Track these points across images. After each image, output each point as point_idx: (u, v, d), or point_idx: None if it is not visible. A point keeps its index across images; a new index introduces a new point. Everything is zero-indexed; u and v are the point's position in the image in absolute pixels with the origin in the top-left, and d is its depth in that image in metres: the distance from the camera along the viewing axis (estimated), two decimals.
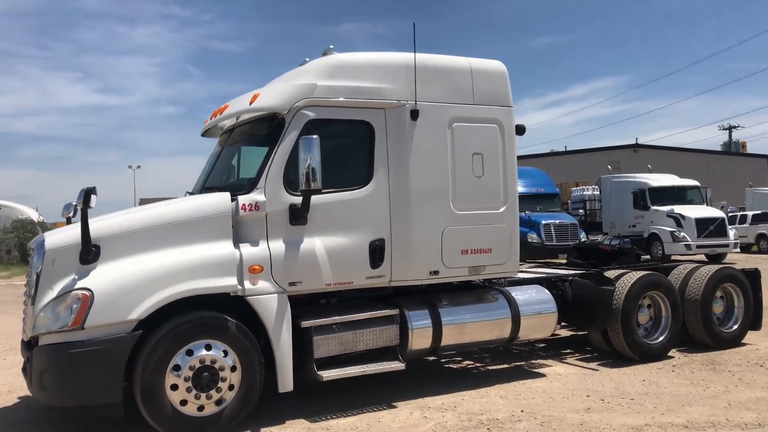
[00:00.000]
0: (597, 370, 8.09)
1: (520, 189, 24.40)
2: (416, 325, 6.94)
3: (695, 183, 25.10)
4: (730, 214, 30.29)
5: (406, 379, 7.56)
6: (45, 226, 33.76)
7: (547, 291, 8.01)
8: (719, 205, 30.93)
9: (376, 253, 6.72)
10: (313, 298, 6.79)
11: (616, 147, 49.43)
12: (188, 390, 5.78)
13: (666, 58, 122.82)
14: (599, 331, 8.44)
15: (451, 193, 7.10)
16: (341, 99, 6.65)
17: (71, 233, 5.89)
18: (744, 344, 9.27)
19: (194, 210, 6.22)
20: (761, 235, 30.56)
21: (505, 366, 8.47)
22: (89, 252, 5.74)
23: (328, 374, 6.39)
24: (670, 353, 8.68)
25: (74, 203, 6.52)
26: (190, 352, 5.82)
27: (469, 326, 7.30)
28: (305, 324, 6.38)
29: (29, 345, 5.94)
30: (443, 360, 8.88)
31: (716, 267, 9.20)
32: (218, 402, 5.92)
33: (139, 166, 75.98)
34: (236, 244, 6.18)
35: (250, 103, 6.67)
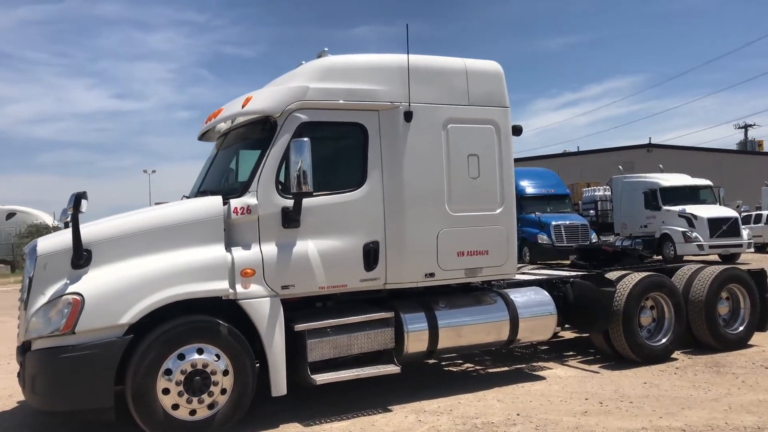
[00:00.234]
0: (598, 372, 8.00)
1: (531, 190, 24.88)
2: (412, 328, 6.90)
3: (707, 182, 24.82)
4: (744, 214, 29.97)
5: (404, 382, 7.51)
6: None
7: (546, 293, 7.93)
8: (734, 204, 30.64)
9: (371, 255, 6.68)
10: (308, 301, 6.77)
11: (630, 147, 49.04)
12: (180, 394, 5.77)
13: (682, 56, 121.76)
14: (600, 333, 8.34)
15: (446, 195, 7.05)
16: (334, 101, 6.63)
17: (63, 238, 5.91)
18: (750, 346, 9.13)
19: (186, 214, 6.21)
20: None
21: (506, 369, 8.40)
22: (80, 257, 5.75)
23: (321, 378, 6.36)
24: (674, 355, 8.56)
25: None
26: (181, 356, 5.81)
27: (466, 329, 7.24)
28: (299, 327, 6.36)
29: (24, 350, 5.96)
30: (443, 363, 8.82)
31: (721, 268, 9.07)
32: (210, 406, 5.90)
33: (154, 171, 76.56)
34: (228, 248, 6.17)
35: (243, 107, 6.66)
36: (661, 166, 27.35)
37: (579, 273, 8.81)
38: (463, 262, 7.15)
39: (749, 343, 9.18)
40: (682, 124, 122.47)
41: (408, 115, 6.84)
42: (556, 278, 8.60)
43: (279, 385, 6.17)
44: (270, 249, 6.27)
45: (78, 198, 5.68)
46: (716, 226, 22.41)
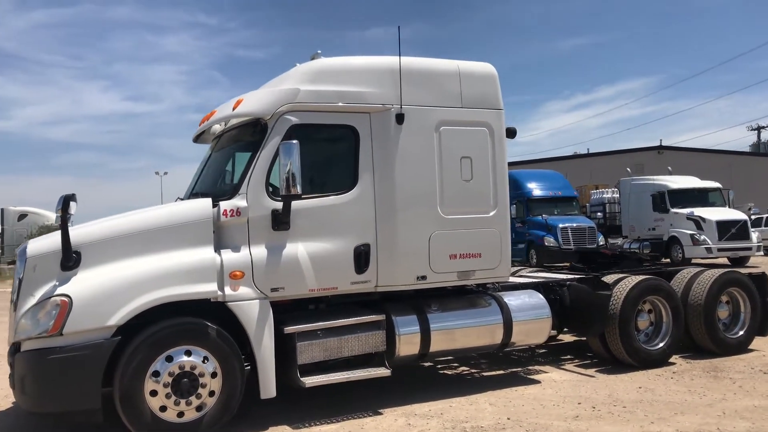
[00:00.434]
0: (593, 376, 7.93)
1: (538, 192, 24.77)
2: (404, 331, 6.87)
3: (717, 185, 24.61)
4: (755, 217, 29.69)
5: (397, 385, 7.49)
6: None
7: (541, 296, 7.88)
8: (745, 207, 30.33)
9: (361, 258, 6.67)
10: (301, 303, 6.77)
11: (640, 149, 48.67)
12: (167, 396, 5.77)
13: (696, 57, 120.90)
14: (596, 336, 8.28)
15: (438, 198, 7.02)
16: (324, 104, 6.62)
17: (53, 240, 5.93)
18: (751, 350, 9.03)
19: (175, 216, 6.23)
20: None
21: (501, 372, 8.35)
22: (69, 258, 5.78)
23: (311, 380, 6.34)
24: (672, 359, 8.48)
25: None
26: (169, 358, 5.81)
27: (459, 332, 7.21)
28: (288, 330, 6.35)
29: (15, 351, 5.99)
30: (438, 366, 8.79)
31: (721, 271, 8.97)
32: (198, 408, 5.91)
33: (166, 173, 76.75)
34: (217, 250, 6.18)
35: (234, 109, 6.68)
36: (669, 168, 27.12)
37: (576, 276, 8.75)
38: (456, 264, 7.11)
39: (750, 347, 9.07)
40: (695, 126, 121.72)
41: (399, 118, 6.82)
42: (552, 281, 8.54)
43: (268, 388, 6.17)
44: (259, 251, 6.27)
45: (66, 200, 5.71)
46: (725, 228, 22.22)
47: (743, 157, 54.10)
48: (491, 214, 7.33)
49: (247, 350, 6.18)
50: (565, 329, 8.64)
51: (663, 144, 50.97)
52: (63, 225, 5.75)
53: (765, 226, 29.52)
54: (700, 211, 22.77)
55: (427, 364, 8.77)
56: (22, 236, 37.73)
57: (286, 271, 6.34)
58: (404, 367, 7.79)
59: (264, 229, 6.31)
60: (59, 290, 5.65)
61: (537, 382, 7.74)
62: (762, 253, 24.52)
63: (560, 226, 23.00)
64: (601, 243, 23.39)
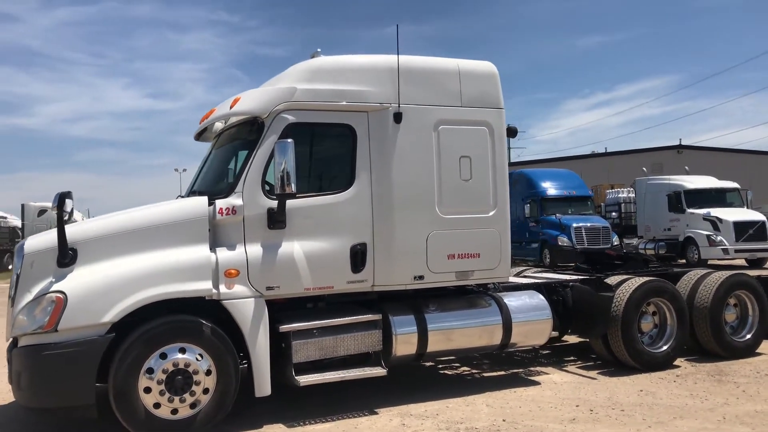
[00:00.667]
0: (595, 378, 7.85)
1: (552, 191, 24.58)
2: (400, 331, 6.85)
3: (734, 185, 24.19)
4: None
5: (395, 385, 7.48)
6: None
7: (541, 297, 7.81)
8: (766, 208, 29.83)
9: (358, 257, 6.65)
10: (299, 302, 6.77)
11: (659, 148, 48.08)
12: (161, 393, 5.80)
13: (718, 55, 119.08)
14: (598, 338, 8.19)
15: (436, 197, 6.98)
16: (321, 102, 6.61)
17: (50, 237, 5.98)
18: (759, 354, 8.89)
19: (171, 214, 6.25)
20: None
21: (502, 373, 8.29)
22: (66, 255, 5.82)
23: (305, 379, 6.34)
24: (677, 362, 8.38)
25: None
26: (163, 356, 5.84)
27: (457, 332, 7.17)
28: (284, 328, 6.36)
29: (13, 347, 6.06)
30: (439, 366, 8.75)
31: (728, 273, 8.84)
32: (192, 405, 5.93)
33: (185, 170, 77.16)
34: (213, 248, 6.19)
35: (231, 107, 6.69)
36: (686, 167, 26.75)
37: (579, 277, 8.67)
38: (454, 265, 7.07)
39: (758, 351, 8.93)
40: (717, 125, 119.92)
41: (398, 117, 6.79)
42: (555, 282, 8.47)
43: (263, 386, 6.18)
44: (255, 250, 6.28)
45: (62, 197, 5.76)
46: (742, 229, 21.83)
47: (765, 156, 53.25)
48: (491, 214, 7.28)
49: (243, 348, 6.20)
50: (569, 330, 8.57)
51: (683, 143, 50.35)
52: (59, 222, 5.79)
53: None
54: (717, 212, 22.39)
55: (427, 364, 8.75)
56: (41, 231, 38.18)
57: (282, 269, 6.34)
58: (402, 367, 7.76)
59: (260, 227, 6.32)
60: (55, 287, 5.70)
61: (537, 383, 7.68)
62: None
63: (574, 225, 22.77)
64: (616, 243, 23.12)
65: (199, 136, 7.86)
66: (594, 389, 7.35)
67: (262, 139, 6.42)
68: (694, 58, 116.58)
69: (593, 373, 8.08)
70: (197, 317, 6.02)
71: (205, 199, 6.31)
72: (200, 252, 6.12)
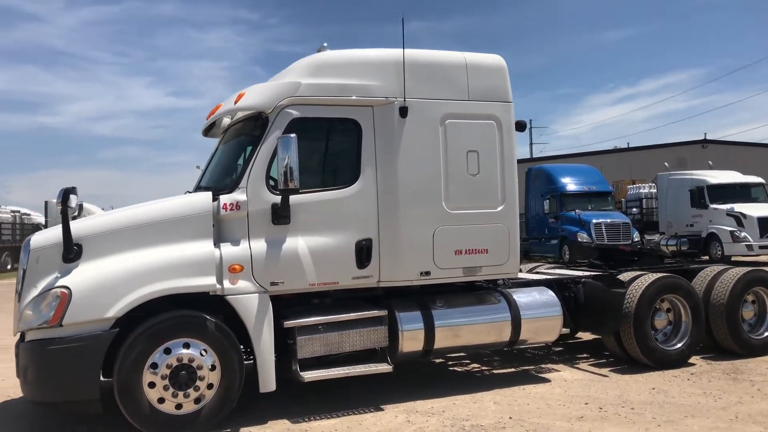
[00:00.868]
0: (606, 376, 7.73)
1: (572, 187, 24.35)
2: (407, 327, 6.79)
3: (759, 180, 23.77)
4: None
5: (403, 382, 7.44)
6: None
7: (552, 293, 7.70)
8: None
9: (363, 253, 6.60)
10: (305, 297, 6.75)
11: (683, 143, 47.27)
12: (165, 388, 5.81)
13: (745, 48, 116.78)
14: (611, 335, 8.06)
15: (443, 192, 6.91)
16: (326, 97, 6.57)
17: (56, 233, 6.01)
18: None
19: (175, 209, 6.26)
20: None
21: (512, 370, 8.21)
22: (71, 251, 5.85)
23: (310, 375, 6.32)
24: (692, 360, 8.21)
25: (78, 203, 6.72)
26: (167, 351, 5.85)
27: (465, 329, 7.10)
28: (288, 324, 6.34)
29: (20, 342, 6.12)
30: (449, 362, 8.69)
31: (745, 270, 8.64)
32: (197, 400, 5.93)
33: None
34: (217, 244, 6.19)
35: (235, 103, 6.68)
36: (710, 162, 26.34)
37: (592, 273, 8.54)
38: (461, 260, 7.00)
39: None
40: (744, 119, 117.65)
41: (403, 111, 6.73)
42: (567, 278, 8.35)
43: (267, 382, 6.16)
44: (259, 245, 6.26)
45: (66, 193, 5.79)
46: (767, 225, 21.47)
47: None
48: (499, 209, 7.19)
49: (249, 344, 6.20)
50: (581, 327, 8.45)
51: (708, 138, 49.49)
52: (64, 217, 5.83)
53: None
54: (741, 207, 22.04)
55: (437, 361, 8.70)
56: None
57: (286, 265, 6.32)
58: (410, 363, 7.74)
59: (264, 223, 6.30)
60: (60, 282, 5.74)
61: (547, 380, 7.58)
62: None
63: (594, 221, 22.56)
64: (636, 239, 22.86)
65: (208, 132, 7.86)
66: (605, 387, 7.23)
67: (266, 135, 6.41)
68: (720, 51, 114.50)
69: (605, 371, 7.96)
70: (201, 312, 6.02)
71: (209, 194, 6.31)
72: (204, 247, 6.12)
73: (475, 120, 7.09)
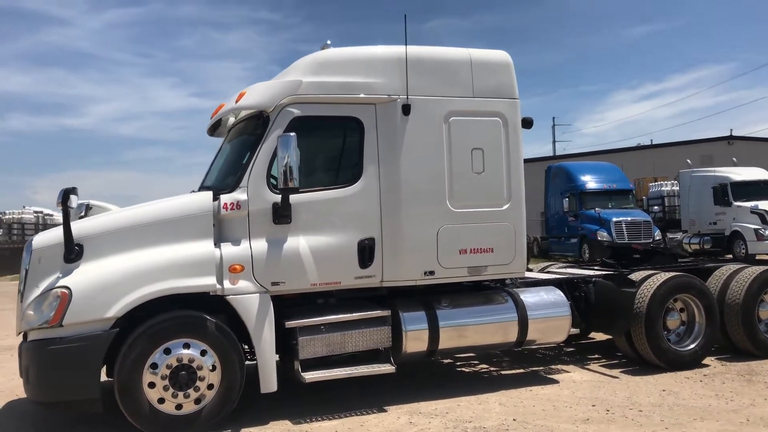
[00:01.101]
0: (617, 377, 7.58)
1: (592, 185, 24.05)
2: (411, 328, 6.72)
3: None
4: None
5: (409, 382, 7.39)
6: None
7: (560, 293, 7.57)
8: None
9: (365, 252, 6.54)
10: (309, 297, 6.70)
11: (708, 139, 46.49)
12: (165, 388, 5.81)
13: None
14: (621, 335, 7.91)
15: (447, 191, 6.81)
16: (327, 95, 6.52)
17: (58, 233, 6.03)
18: None
19: (176, 209, 6.25)
20: None
21: (521, 371, 8.09)
22: (72, 251, 5.87)
23: (311, 376, 6.27)
24: (706, 361, 8.03)
25: (84, 203, 6.75)
26: (167, 351, 5.84)
27: (470, 329, 7.00)
28: (289, 324, 6.30)
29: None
30: (458, 363, 8.59)
31: (762, 268, 8.41)
32: (197, 401, 5.92)
33: None
34: (218, 244, 6.17)
35: (237, 102, 6.65)
36: (734, 159, 25.81)
37: (603, 272, 8.39)
38: (466, 260, 6.90)
39: None
40: None
41: (406, 108, 6.65)
42: (577, 278, 8.21)
43: (268, 382, 6.13)
44: (260, 245, 6.23)
45: (66, 193, 5.79)
46: None
47: None
48: (505, 207, 7.07)
49: (250, 344, 6.18)
50: (592, 327, 8.31)
51: (734, 134, 48.60)
52: (65, 218, 5.84)
53: None
54: (765, 205, 21.57)
55: (445, 361, 8.61)
56: None
57: (287, 265, 6.28)
58: (416, 363, 7.68)
59: (265, 222, 6.27)
60: (60, 282, 5.76)
61: (555, 381, 7.45)
62: None
63: (614, 219, 22.26)
64: (658, 238, 22.50)
65: (213, 131, 7.84)
66: (614, 388, 7.09)
67: (267, 134, 6.37)
68: (748, 46, 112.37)
69: (616, 372, 7.80)
70: (202, 313, 6.00)
71: (209, 194, 6.29)
72: (204, 247, 6.10)
73: (480, 117, 6.99)
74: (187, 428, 5.87)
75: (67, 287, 5.70)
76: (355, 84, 6.60)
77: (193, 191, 7.40)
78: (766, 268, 8.49)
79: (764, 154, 38.66)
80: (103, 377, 5.92)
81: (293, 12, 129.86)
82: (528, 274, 8.35)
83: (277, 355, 6.45)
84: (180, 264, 5.98)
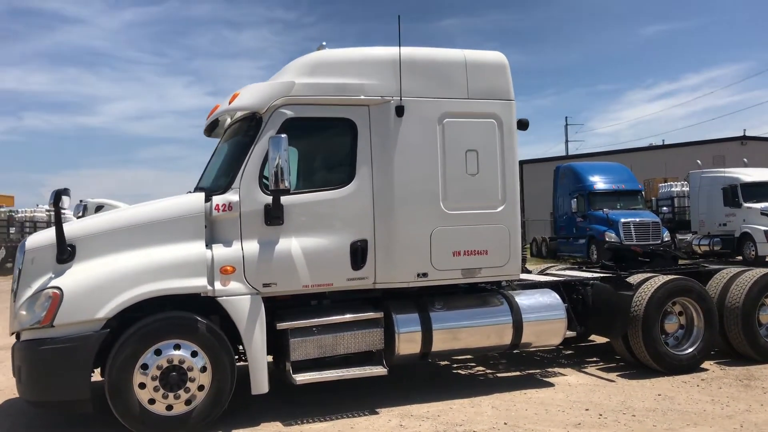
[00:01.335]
0: (613, 381, 7.52)
1: (600, 185, 23.91)
2: (403, 330, 6.70)
3: None
4: None
5: (404, 384, 7.37)
6: None
7: (556, 296, 7.52)
8: None
9: (358, 254, 6.53)
10: (303, 299, 6.70)
11: (721, 140, 46.04)
12: (156, 389, 5.82)
13: None
14: (618, 338, 7.85)
15: (441, 192, 6.79)
16: (320, 96, 6.51)
17: (51, 234, 6.07)
18: None
19: (168, 210, 6.27)
20: None
21: (517, 373, 8.04)
22: (64, 251, 5.90)
23: (302, 378, 6.27)
24: (705, 365, 7.95)
25: (83, 203, 6.77)
26: (158, 352, 5.86)
27: (464, 332, 6.97)
28: (281, 326, 6.31)
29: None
30: (455, 365, 8.56)
31: (762, 272, 8.31)
32: (187, 402, 5.93)
33: None
34: (209, 245, 6.18)
35: (230, 103, 6.66)
36: (745, 160, 25.56)
37: (598, 275, 8.33)
38: (460, 262, 6.87)
39: None
40: None
41: (399, 110, 6.63)
42: (575, 280, 8.16)
43: (259, 383, 6.13)
44: (251, 246, 6.23)
45: (58, 194, 5.84)
46: None
47: None
48: (499, 209, 7.03)
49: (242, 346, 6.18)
50: (588, 330, 8.26)
51: (747, 134, 48.11)
52: (57, 219, 5.88)
53: None
54: None
55: (442, 363, 8.58)
56: None
57: (279, 266, 6.28)
58: (412, 366, 7.65)
59: (256, 224, 6.27)
60: (52, 283, 5.79)
61: (550, 385, 7.41)
62: None
63: (622, 220, 22.11)
64: (667, 239, 22.32)
65: (210, 132, 7.86)
66: (609, 392, 7.03)
67: (259, 135, 6.38)
68: (764, 45, 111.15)
69: (613, 375, 7.74)
70: (192, 314, 6.01)
71: (201, 195, 6.31)
72: (196, 248, 6.11)
73: (474, 119, 6.95)
74: (177, 429, 5.89)
75: (58, 288, 5.73)
76: (349, 85, 6.59)
77: (190, 192, 7.44)
78: (766, 271, 8.39)
79: None
80: (98, 378, 5.96)
81: (309, 11, 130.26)
82: (526, 276, 8.31)
83: (270, 357, 6.47)
84: (171, 265, 5.99)
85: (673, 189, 26.98)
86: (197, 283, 6.02)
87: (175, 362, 5.88)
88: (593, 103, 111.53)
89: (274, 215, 6.23)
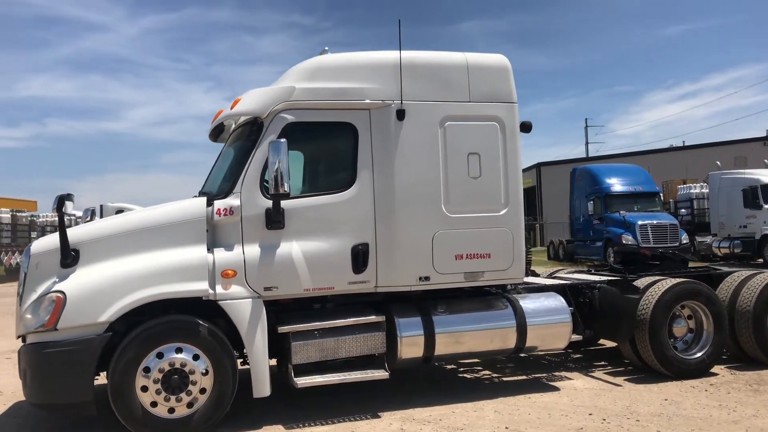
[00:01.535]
0: (620, 385, 7.44)
1: (617, 188, 23.71)
2: (406, 334, 6.69)
3: None
4: None
5: (407, 388, 7.36)
6: None
7: (561, 299, 7.46)
8: None
9: (359, 257, 6.53)
10: (306, 302, 6.72)
11: (744, 140, 45.45)
12: (158, 392, 5.88)
13: None
14: (625, 342, 7.77)
15: (442, 195, 6.77)
16: (321, 101, 6.54)
17: (55, 238, 6.15)
18: None
19: (170, 215, 6.33)
20: None
21: (523, 377, 7.99)
22: (68, 256, 5.98)
23: (303, 381, 6.29)
24: (714, 370, 7.84)
25: (90, 209, 6.86)
26: (160, 355, 5.91)
27: (467, 336, 6.94)
28: (282, 329, 6.33)
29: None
30: (461, 369, 8.53)
31: None
32: (189, 405, 5.97)
33: None
34: (211, 249, 6.23)
35: (231, 108, 6.71)
36: (765, 161, 25.16)
37: (605, 278, 8.25)
38: (462, 265, 6.84)
39: None
40: None
41: (400, 114, 6.64)
42: (581, 284, 8.09)
43: (261, 387, 6.16)
44: (252, 250, 6.27)
45: (62, 199, 5.92)
46: None
47: None
48: (502, 212, 7.00)
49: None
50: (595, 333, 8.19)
51: None
52: (60, 223, 5.96)
53: None
54: None
55: (448, 367, 8.55)
56: None
57: (280, 270, 6.31)
58: (418, 370, 7.63)
59: (258, 228, 6.30)
60: (56, 287, 5.87)
61: (556, 389, 7.35)
62: None
63: (639, 223, 21.86)
64: (685, 241, 22.03)
65: (216, 137, 7.92)
66: (614, 397, 6.96)
67: (260, 140, 6.42)
68: None
69: (620, 380, 7.67)
70: (194, 317, 6.06)
71: (203, 200, 6.36)
72: (198, 252, 6.16)
73: (476, 122, 6.93)
74: None
75: (62, 292, 5.81)
76: (349, 89, 6.61)
77: (195, 196, 7.50)
78: None
79: None
80: (104, 380, 6.02)
81: (326, 16, 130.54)
82: (532, 280, 8.27)
83: (273, 360, 6.50)
84: (173, 269, 6.04)
85: (692, 191, 26.65)
86: (199, 286, 6.07)
87: (177, 365, 5.93)
88: (614, 105, 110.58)
89: (274, 219, 6.26)
